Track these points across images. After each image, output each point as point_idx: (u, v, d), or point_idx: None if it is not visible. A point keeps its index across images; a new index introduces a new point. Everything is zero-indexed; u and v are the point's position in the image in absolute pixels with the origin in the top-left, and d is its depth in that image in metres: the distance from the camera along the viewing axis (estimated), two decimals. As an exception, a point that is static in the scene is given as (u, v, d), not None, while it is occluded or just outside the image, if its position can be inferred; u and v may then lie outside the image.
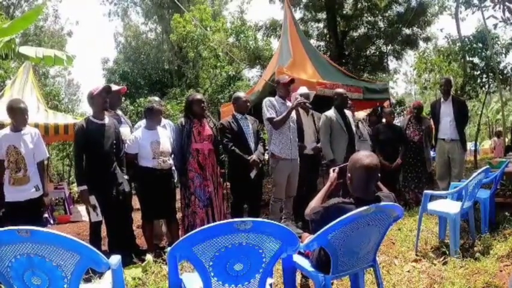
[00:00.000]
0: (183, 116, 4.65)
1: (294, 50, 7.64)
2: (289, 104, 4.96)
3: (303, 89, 5.40)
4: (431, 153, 7.01)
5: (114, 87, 4.45)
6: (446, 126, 5.88)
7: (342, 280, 3.08)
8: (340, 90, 5.78)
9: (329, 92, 6.50)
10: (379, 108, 8.08)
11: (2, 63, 11.40)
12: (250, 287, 1.99)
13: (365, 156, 2.33)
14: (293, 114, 4.93)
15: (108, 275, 2.21)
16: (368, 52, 18.12)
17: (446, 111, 5.88)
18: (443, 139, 5.93)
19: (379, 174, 2.35)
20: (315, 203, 2.54)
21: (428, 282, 3.12)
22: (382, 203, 2.28)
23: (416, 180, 6.24)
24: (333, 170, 2.70)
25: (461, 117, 5.88)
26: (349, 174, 2.39)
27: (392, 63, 19.77)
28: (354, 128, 5.59)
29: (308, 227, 2.69)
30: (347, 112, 5.62)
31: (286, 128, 4.84)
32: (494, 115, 29.54)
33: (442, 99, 6.02)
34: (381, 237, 2.40)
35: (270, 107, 4.83)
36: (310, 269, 2.40)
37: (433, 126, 6.44)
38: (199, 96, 4.66)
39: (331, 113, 5.41)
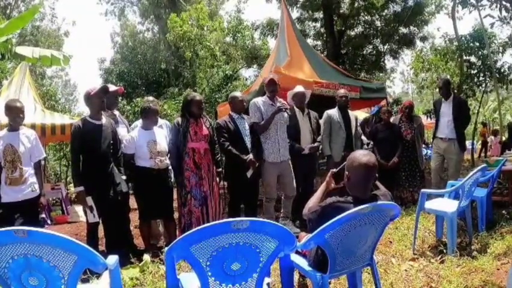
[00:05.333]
0: (180, 115, 4.64)
1: (291, 49, 7.62)
2: (279, 104, 4.92)
3: (299, 88, 5.40)
4: (428, 151, 7.03)
5: (111, 88, 4.45)
6: (445, 125, 5.87)
7: (340, 279, 3.09)
8: (340, 91, 5.90)
9: (326, 91, 6.53)
10: None
11: (-1, 63, 11.36)
12: (247, 287, 1.99)
13: (362, 155, 2.33)
14: (285, 114, 4.90)
15: (106, 276, 2.21)
16: (364, 51, 18.17)
17: (445, 110, 5.85)
18: (441, 138, 5.92)
19: (377, 174, 2.35)
20: (312, 202, 2.54)
21: (425, 281, 3.13)
22: (379, 202, 2.28)
23: (410, 178, 6.27)
24: (331, 172, 2.70)
25: (462, 117, 5.83)
26: (347, 173, 2.39)
27: (389, 63, 19.90)
28: (353, 129, 5.63)
29: (306, 227, 2.69)
30: (352, 113, 5.70)
31: (273, 132, 4.83)
32: (491, 114, 29.66)
33: (443, 99, 6.01)
34: (379, 236, 2.40)
35: (255, 110, 4.86)
36: (308, 268, 2.40)
37: (424, 124, 6.45)
38: (199, 97, 4.61)
39: (333, 111, 5.61)
